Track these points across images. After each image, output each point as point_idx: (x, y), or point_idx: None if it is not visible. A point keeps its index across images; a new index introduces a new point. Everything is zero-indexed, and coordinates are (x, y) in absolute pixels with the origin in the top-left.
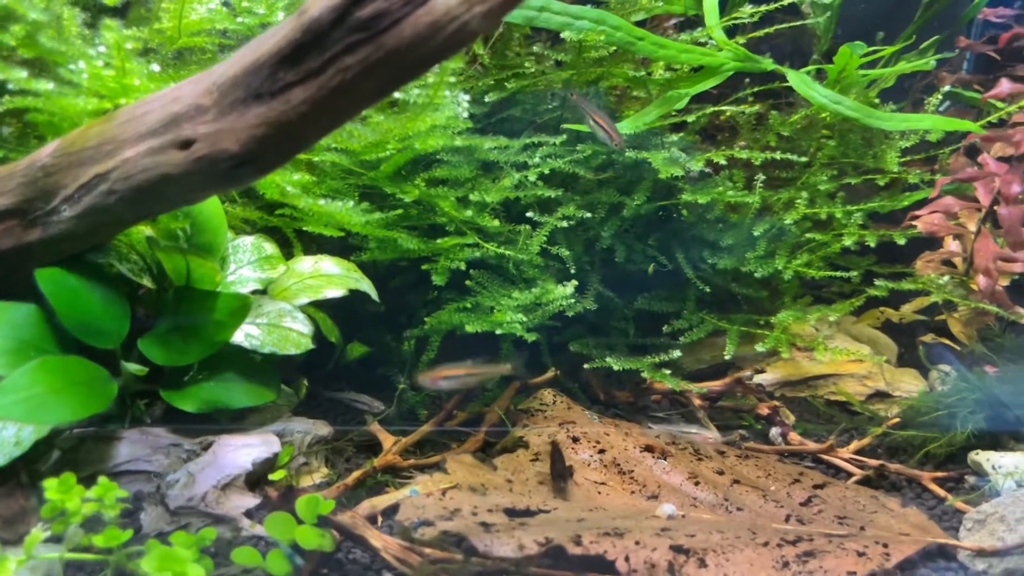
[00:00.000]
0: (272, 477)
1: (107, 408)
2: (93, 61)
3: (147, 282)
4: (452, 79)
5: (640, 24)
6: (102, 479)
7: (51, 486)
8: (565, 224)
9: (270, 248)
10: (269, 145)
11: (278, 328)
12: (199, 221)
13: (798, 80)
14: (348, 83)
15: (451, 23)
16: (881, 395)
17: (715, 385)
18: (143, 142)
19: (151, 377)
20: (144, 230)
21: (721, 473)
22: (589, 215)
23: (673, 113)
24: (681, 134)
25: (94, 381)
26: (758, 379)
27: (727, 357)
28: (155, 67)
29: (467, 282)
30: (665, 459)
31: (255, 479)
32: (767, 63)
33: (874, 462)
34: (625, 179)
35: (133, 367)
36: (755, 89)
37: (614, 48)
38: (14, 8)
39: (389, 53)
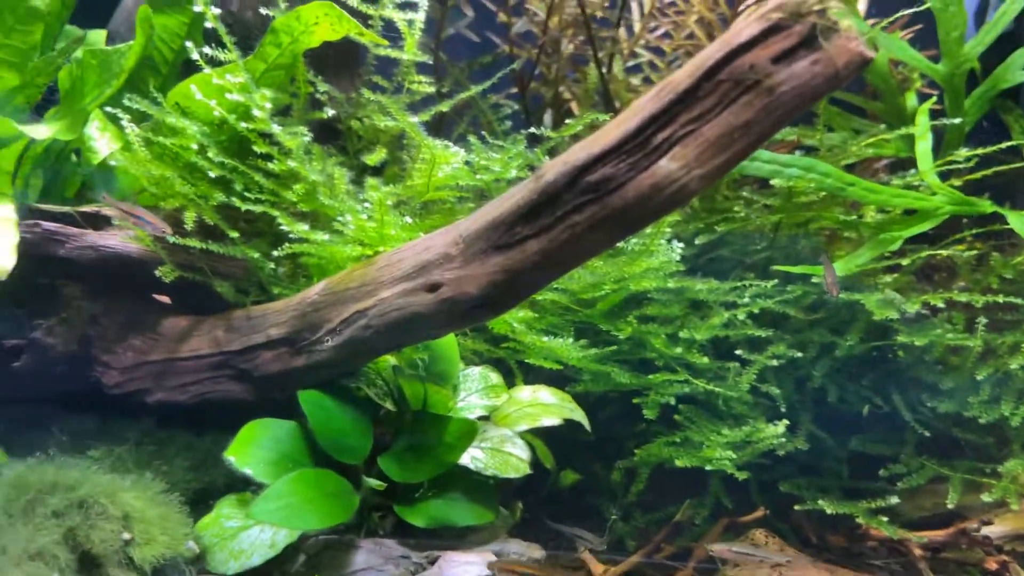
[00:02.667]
0: None
1: (349, 519)
2: (358, 214)
3: (389, 405)
4: (668, 230)
5: (850, 166)
6: None
7: None
8: (775, 363)
9: (495, 378)
10: (505, 290)
11: (500, 452)
12: (436, 352)
13: (1020, 223)
14: (576, 237)
15: (671, 185)
16: None
17: (937, 535)
18: (398, 284)
19: (386, 492)
20: (389, 359)
21: None
22: (800, 354)
23: (887, 255)
24: (895, 275)
25: (341, 493)
26: (985, 531)
27: (950, 506)
28: (408, 219)
29: (676, 416)
30: None
31: None
32: (985, 205)
33: None
34: (837, 319)
35: (373, 482)
36: (974, 231)
37: (823, 192)
38: (299, 171)
39: (614, 212)
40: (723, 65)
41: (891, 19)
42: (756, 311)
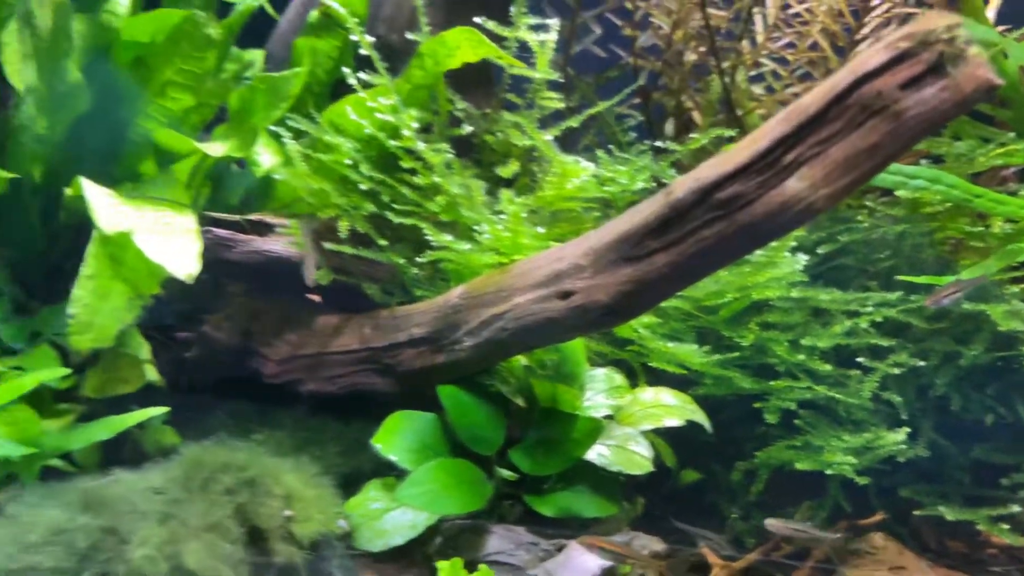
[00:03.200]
0: None
1: (483, 506)
2: (495, 224)
3: (520, 401)
4: (792, 242)
5: (977, 174)
6: (482, 566)
7: (443, 567)
8: (897, 371)
9: (619, 379)
10: (633, 299)
11: (624, 450)
12: (565, 354)
13: None
14: (704, 251)
15: (799, 203)
16: None
17: None
18: (532, 291)
19: (516, 483)
20: (521, 360)
21: None
22: (922, 363)
23: (1015, 264)
24: (1022, 286)
25: (476, 482)
26: None
27: None
28: (540, 229)
29: (796, 421)
30: None
31: None
32: None
33: None
34: (961, 329)
35: (506, 473)
36: None
37: (949, 203)
38: (441, 184)
39: (741, 227)
40: (851, 91)
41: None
42: (879, 320)
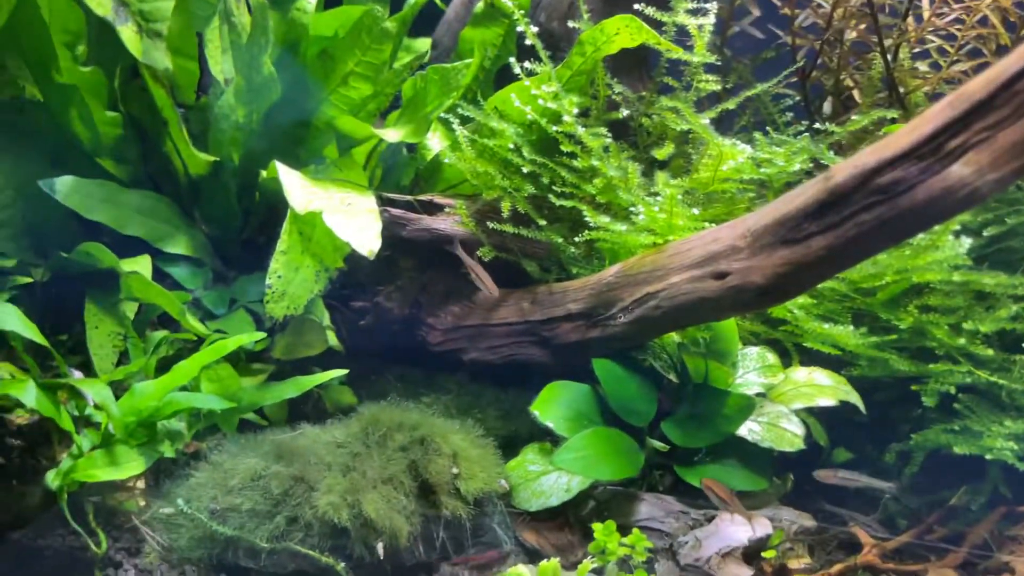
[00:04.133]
0: (765, 555)
1: (635, 474)
2: (650, 206)
3: (672, 377)
4: (956, 226)
5: None
6: (635, 531)
7: (598, 529)
8: None
9: (772, 358)
10: (789, 281)
11: (775, 428)
12: (717, 333)
13: None
14: (862, 235)
15: (963, 189)
16: None
17: None
18: (687, 271)
19: (667, 454)
20: (674, 337)
21: None
22: None
23: None
24: None
25: (628, 451)
26: None
27: None
28: (695, 210)
29: (956, 405)
30: None
31: (750, 554)
32: None
33: None
34: None
35: (657, 444)
36: None
37: None
38: (599, 167)
39: (902, 212)
40: (1021, 77)
41: None
42: None
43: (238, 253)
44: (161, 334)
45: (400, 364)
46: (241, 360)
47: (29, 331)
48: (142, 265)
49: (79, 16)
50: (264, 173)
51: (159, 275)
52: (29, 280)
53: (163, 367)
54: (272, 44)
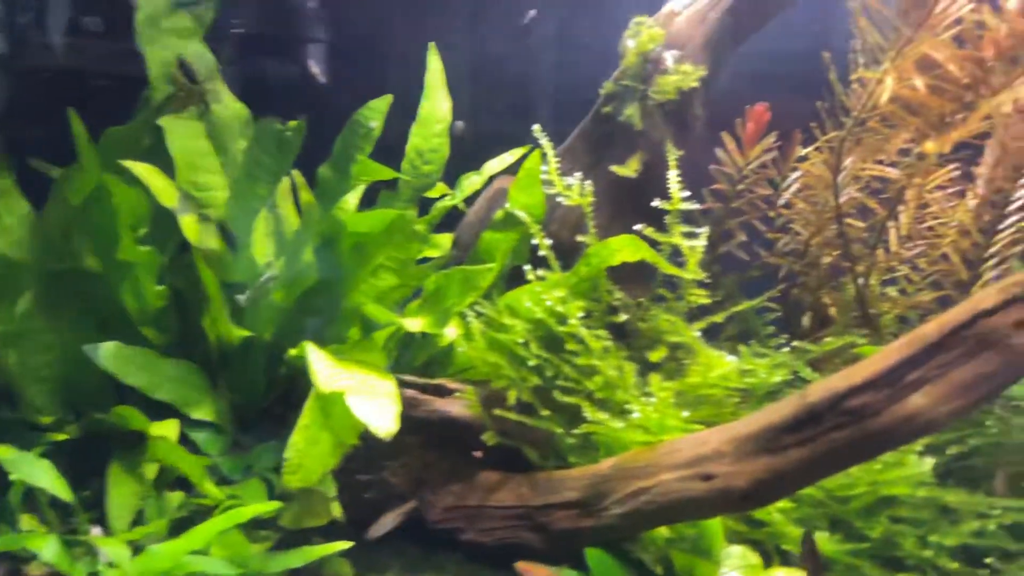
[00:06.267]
0: None
1: None
2: (644, 405)
3: (659, 570)
4: (919, 447)
5: None
6: None
7: None
8: None
9: (754, 559)
10: (769, 487)
11: None
12: (703, 530)
13: None
14: (835, 451)
15: (922, 417)
16: None
17: None
18: (677, 471)
19: None
20: (663, 531)
21: None
22: None
23: None
24: None
25: None
26: None
27: None
28: (685, 412)
29: None
30: None
31: None
32: None
33: None
34: None
35: None
36: None
37: None
38: (600, 366)
39: (870, 434)
40: (968, 325)
41: None
42: (1008, 522)
43: (257, 421)
44: (179, 496)
45: (399, 539)
46: (249, 526)
47: (59, 489)
48: (170, 430)
49: (144, 204)
50: (293, 351)
51: (182, 439)
52: (64, 437)
53: (177, 527)
54: (313, 236)
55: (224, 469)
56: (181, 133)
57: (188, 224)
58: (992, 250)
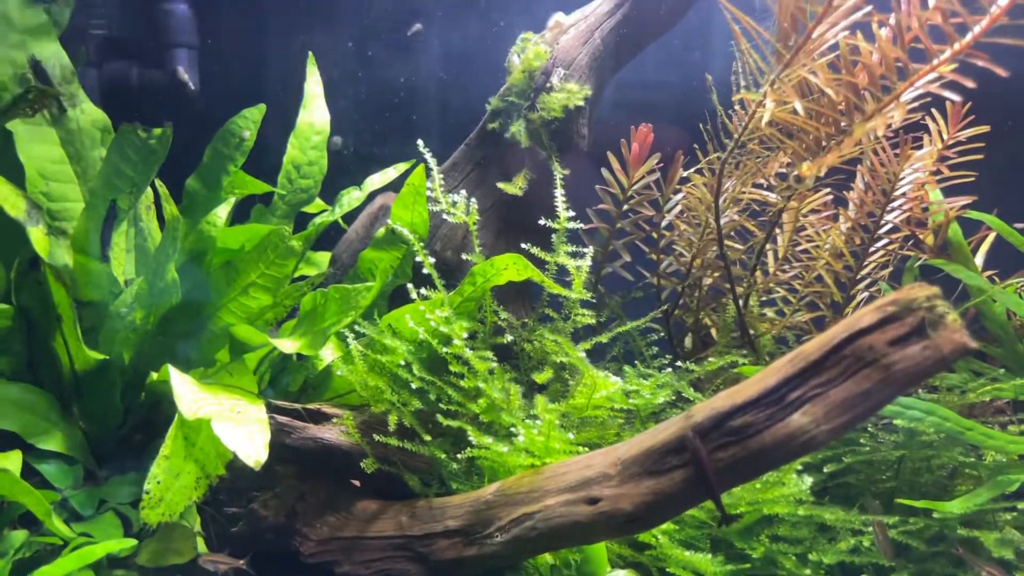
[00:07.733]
0: None
1: None
2: (529, 428)
3: None
4: (799, 465)
5: (968, 409)
6: None
7: None
8: None
9: None
10: (654, 509)
11: None
12: (588, 555)
13: None
14: (719, 471)
15: (801, 435)
16: None
17: None
18: (562, 495)
19: None
20: (547, 557)
21: None
22: None
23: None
24: (1014, 514)
25: None
26: None
27: None
28: (571, 434)
29: None
30: None
31: None
32: None
33: None
34: (959, 555)
35: None
36: None
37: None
38: (484, 389)
39: (751, 452)
40: (847, 344)
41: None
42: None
43: (113, 451)
44: (22, 535)
45: (271, 574)
46: (103, 566)
47: None
48: (12, 462)
49: None
50: (154, 375)
51: (27, 471)
52: None
53: (20, 569)
54: (179, 252)
55: (75, 504)
56: (32, 139)
57: (37, 237)
58: (863, 272)
